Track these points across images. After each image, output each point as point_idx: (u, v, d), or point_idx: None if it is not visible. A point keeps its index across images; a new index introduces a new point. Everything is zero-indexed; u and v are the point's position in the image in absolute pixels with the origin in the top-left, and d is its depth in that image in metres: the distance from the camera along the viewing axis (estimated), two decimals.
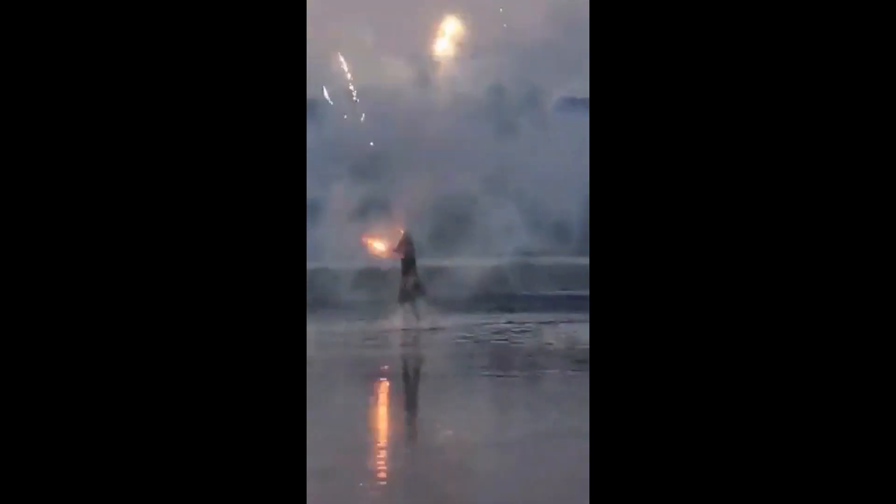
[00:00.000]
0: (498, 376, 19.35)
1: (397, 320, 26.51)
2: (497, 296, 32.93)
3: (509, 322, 27.52)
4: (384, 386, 18.15)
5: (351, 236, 28.19)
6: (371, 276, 29.55)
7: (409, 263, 27.42)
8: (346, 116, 31.09)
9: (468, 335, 25.31)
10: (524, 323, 27.56)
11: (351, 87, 30.65)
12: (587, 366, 18.63)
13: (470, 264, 32.80)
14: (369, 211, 29.09)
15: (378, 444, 13.18)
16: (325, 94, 30.71)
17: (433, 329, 26.26)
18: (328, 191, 29.58)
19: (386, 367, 20.31)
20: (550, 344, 23.49)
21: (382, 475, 11.20)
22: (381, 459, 12.06)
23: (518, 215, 32.50)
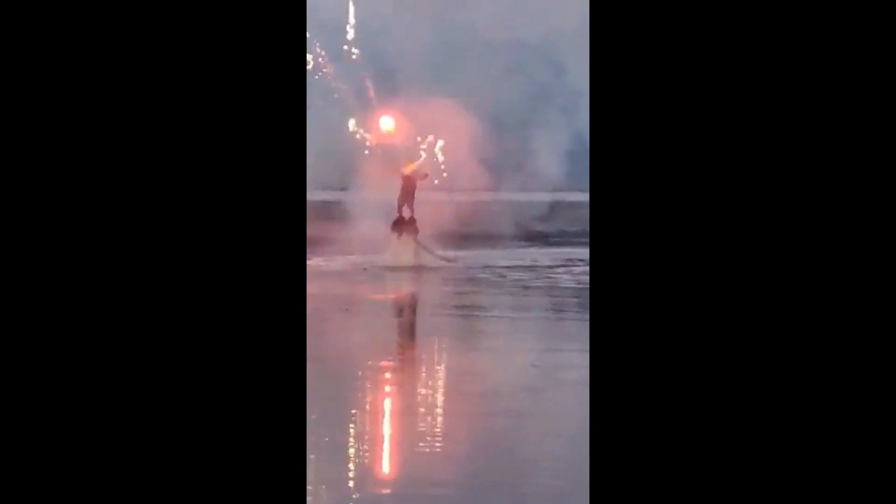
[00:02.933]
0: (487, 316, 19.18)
1: (392, 255, 25.69)
2: (510, 234, 31.34)
3: (517, 261, 27.29)
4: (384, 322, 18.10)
5: None
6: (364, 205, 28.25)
7: (409, 192, 26.67)
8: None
9: (480, 273, 24.94)
10: (536, 262, 27.24)
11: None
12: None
13: (499, 199, 32.15)
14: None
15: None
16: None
17: (441, 265, 25.70)
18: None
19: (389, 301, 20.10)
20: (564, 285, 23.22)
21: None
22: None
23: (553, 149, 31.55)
